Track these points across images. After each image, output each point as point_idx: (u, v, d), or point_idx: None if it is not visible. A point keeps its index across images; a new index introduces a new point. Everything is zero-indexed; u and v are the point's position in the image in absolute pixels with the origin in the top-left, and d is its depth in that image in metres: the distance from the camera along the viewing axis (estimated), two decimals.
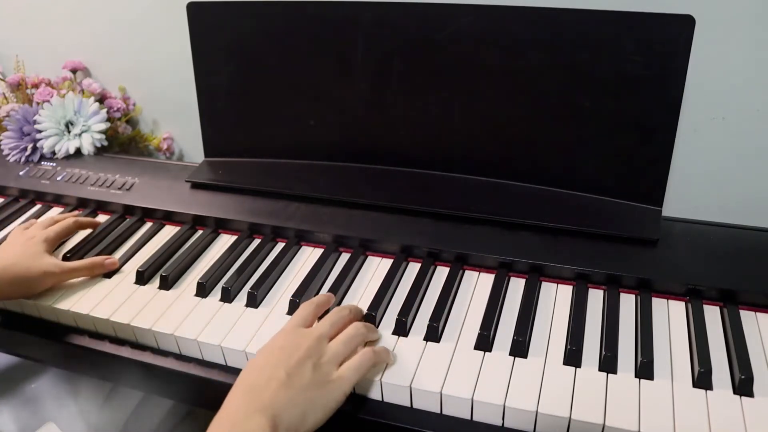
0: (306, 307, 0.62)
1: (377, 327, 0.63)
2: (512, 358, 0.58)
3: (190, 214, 0.80)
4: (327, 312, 0.63)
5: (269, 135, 0.84)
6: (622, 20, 0.66)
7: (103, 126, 0.94)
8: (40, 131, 0.93)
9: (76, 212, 0.85)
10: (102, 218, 0.84)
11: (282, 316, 0.65)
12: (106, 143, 0.95)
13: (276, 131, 0.84)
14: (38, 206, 0.88)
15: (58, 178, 0.89)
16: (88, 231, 0.81)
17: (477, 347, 0.60)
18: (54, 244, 0.75)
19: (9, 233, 0.78)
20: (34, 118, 0.94)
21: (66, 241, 0.80)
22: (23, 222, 0.82)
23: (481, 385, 0.56)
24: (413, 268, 0.71)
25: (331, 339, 0.58)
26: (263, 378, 0.53)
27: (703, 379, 0.55)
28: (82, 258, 0.75)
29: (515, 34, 0.70)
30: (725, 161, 0.79)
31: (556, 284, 0.67)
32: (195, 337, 0.63)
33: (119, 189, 0.85)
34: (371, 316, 0.63)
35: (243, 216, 0.78)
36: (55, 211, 0.86)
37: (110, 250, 0.77)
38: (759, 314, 0.62)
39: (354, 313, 0.63)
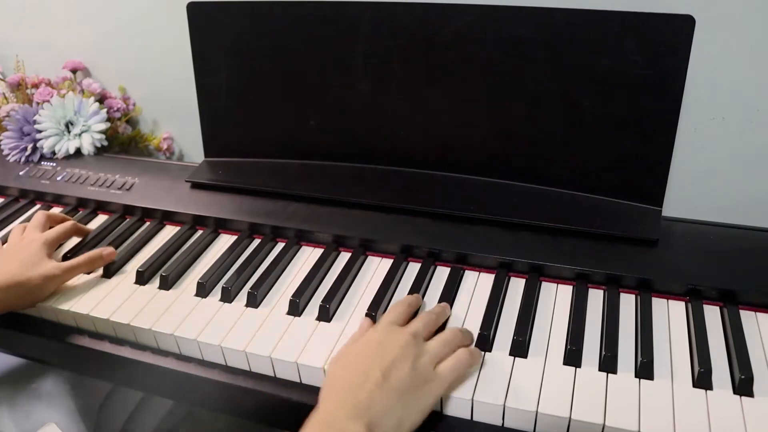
0: (398, 306, 0.61)
1: None
2: (512, 358, 0.58)
3: (190, 214, 0.80)
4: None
5: (269, 135, 0.84)
6: (622, 20, 0.66)
7: (103, 126, 0.94)
8: (40, 131, 0.93)
9: (60, 211, 0.85)
10: (102, 218, 0.84)
11: (282, 316, 0.65)
12: (106, 143, 0.95)
13: (276, 131, 0.84)
14: (38, 206, 0.88)
15: (58, 178, 0.89)
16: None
17: (477, 347, 0.60)
18: (54, 247, 0.73)
19: (8, 234, 0.77)
20: (34, 118, 0.94)
21: (65, 242, 0.80)
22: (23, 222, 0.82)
23: (481, 385, 0.56)
24: (413, 268, 0.71)
25: (425, 339, 0.57)
26: (358, 377, 0.52)
27: (703, 379, 0.55)
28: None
29: (515, 34, 0.70)
30: (725, 161, 0.79)
31: (556, 284, 0.67)
32: (195, 337, 0.63)
33: (119, 189, 0.85)
34: (371, 316, 0.63)
35: (243, 216, 0.78)
36: (55, 211, 0.86)
37: None
38: (759, 314, 0.62)
39: (442, 316, 0.62)
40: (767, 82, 0.73)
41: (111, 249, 0.73)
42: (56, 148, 0.93)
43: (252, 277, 0.71)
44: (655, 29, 0.65)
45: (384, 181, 0.79)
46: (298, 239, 0.76)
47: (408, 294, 0.66)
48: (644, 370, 0.56)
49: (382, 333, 0.57)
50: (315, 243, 0.76)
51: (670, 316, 0.62)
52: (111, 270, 0.73)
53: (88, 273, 0.73)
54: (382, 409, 0.50)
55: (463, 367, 0.56)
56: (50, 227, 0.77)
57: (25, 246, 0.71)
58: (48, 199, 0.88)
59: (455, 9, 0.71)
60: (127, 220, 0.83)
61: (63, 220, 0.79)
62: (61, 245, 0.79)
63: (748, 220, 0.70)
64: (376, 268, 0.71)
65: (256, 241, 0.77)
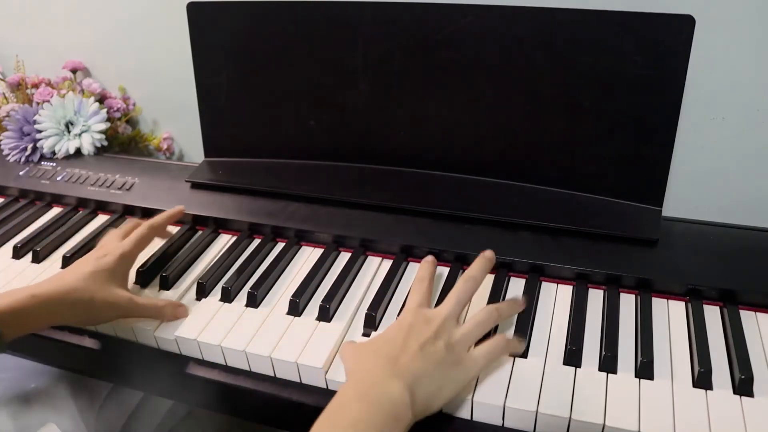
0: (420, 286, 0.61)
1: (377, 327, 0.63)
2: (512, 358, 0.58)
3: (190, 214, 0.80)
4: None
5: (269, 135, 0.84)
6: (622, 20, 0.66)
7: (103, 126, 0.94)
8: (40, 131, 0.93)
9: (60, 211, 0.85)
10: (102, 218, 0.84)
11: (282, 316, 0.65)
12: (106, 143, 0.95)
13: (276, 131, 0.84)
14: (38, 206, 0.88)
15: (58, 178, 0.89)
16: (89, 231, 0.81)
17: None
18: (131, 260, 0.68)
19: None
20: (34, 118, 0.94)
21: (66, 240, 0.80)
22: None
23: (481, 385, 0.56)
24: (413, 268, 0.71)
25: (458, 318, 0.58)
26: (396, 346, 0.53)
27: (703, 379, 0.55)
28: (80, 257, 0.74)
29: (515, 34, 0.70)
30: (725, 161, 0.79)
31: (556, 284, 0.67)
32: (195, 337, 0.63)
33: (119, 189, 0.85)
34: (371, 316, 0.63)
35: (243, 216, 0.78)
36: (55, 211, 0.86)
37: None
38: (759, 314, 0.62)
39: (474, 288, 0.60)
40: (767, 82, 0.73)
41: (185, 307, 0.66)
42: (56, 148, 0.93)
43: (252, 277, 0.71)
44: (655, 29, 0.65)
45: (384, 181, 0.79)
46: (298, 239, 0.76)
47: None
48: (644, 370, 0.56)
49: (415, 317, 0.57)
50: (315, 243, 0.76)
51: (670, 316, 0.62)
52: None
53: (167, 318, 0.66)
54: (421, 375, 0.51)
55: (497, 353, 0.56)
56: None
57: (97, 258, 0.65)
58: (48, 199, 0.88)
59: (455, 9, 0.71)
60: (128, 220, 0.83)
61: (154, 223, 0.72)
62: (61, 244, 0.79)
63: (748, 220, 0.70)
64: (377, 268, 0.71)
65: (256, 241, 0.77)
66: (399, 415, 0.47)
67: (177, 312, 0.66)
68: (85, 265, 0.65)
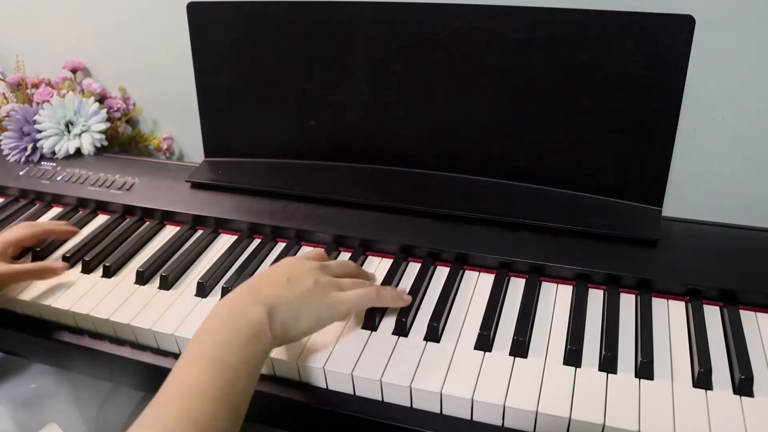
0: (311, 251, 0.68)
1: (377, 327, 0.63)
2: (512, 358, 0.58)
3: (190, 214, 0.80)
4: None
5: (269, 135, 0.84)
6: (622, 20, 0.66)
7: (103, 126, 0.94)
8: (40, 131, 0.93)
9: (60, 211, 0.86)
10: (102, 218, 0.84)
11: None
12: (106, 143, 0.95)
13: (276, 131, 0.84)
14: (38, 206, 0.88)
15: (58, 178, 0.89)
16: (89, 231, 0.81)
17: (477, 347, 0.60)
18: (5, 246, 0.72)
19: None
20: (34, 118, 0.94)
21: (65, 242, 0.80)
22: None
23: (481, 385, 0.56)
24: (413, 268, 0.71)
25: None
26: (266, 280, 0.58)
27: (703, 379, 0.55)
28: (79, 260, 0.75)
29: (515, 34, 0.70)
30: (725, 161, 0.79)
31: (556, 284, 0.67)
32: None
33: (119, 189, 0.85)
34: (371, 317, 0.63)
35: (243, 216, 0.78)
36: (55, 211, 0.86)
37: (110, 250, 0.77)
38: (759, 314, 0.62)
39: (362, 275, 0.67)
40: (767, 82, 0.73)
41: (65, 264, 0.73)
42: (56, 148, 0.93)
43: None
44: (655, 29, 0.65)
45: (384, 181, 0.79)
46: (298, 239, 0.76)
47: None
48: (644, 370, 0.56)
49: (293, 259, 0.63)
50: (315, 243, 0.76)
51: (670, 316, 0.62)
52: (111, 270, 0.73)
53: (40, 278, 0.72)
54: (283, 301, 0.55)
55: (367, 299, 0.60)
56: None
57: None
58: (48, 199, 0.88)
59: (455, 9, 0.71)
60: (127, 220, 0.83)
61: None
62: (60, 245, 0.79)
63: (748, 220, 0.70)
64: (376, 268, 0.71)
65: (256, 241, 0.77)
66: (258, 334, 0.53)
67: (58, 270, 0.71)
68: None
